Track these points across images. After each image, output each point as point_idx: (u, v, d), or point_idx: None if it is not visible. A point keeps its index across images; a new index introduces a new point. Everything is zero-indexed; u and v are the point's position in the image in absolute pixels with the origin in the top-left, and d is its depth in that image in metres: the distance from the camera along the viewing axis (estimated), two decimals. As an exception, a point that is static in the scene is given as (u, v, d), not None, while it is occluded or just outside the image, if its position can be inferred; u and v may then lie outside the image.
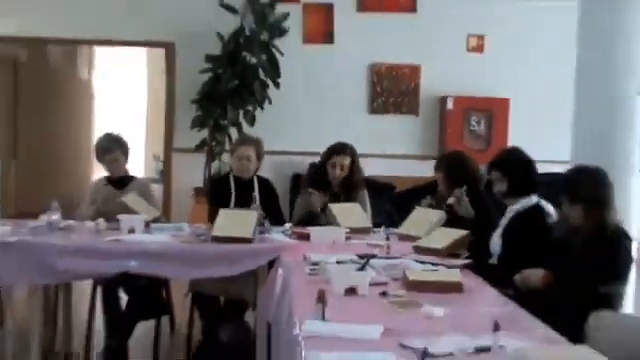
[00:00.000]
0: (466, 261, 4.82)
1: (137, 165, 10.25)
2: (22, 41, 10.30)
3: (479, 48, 9.91)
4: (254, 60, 9.10)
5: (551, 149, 7.26)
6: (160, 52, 10.64)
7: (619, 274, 4.46)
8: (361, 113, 9.82)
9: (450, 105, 9.71)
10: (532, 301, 3.88)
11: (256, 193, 6.28)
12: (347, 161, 6.34)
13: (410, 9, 9.79)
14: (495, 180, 5.17)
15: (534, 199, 5.08)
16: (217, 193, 6.52)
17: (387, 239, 5.20)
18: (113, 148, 6.46)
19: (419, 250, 5.04)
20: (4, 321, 5.97)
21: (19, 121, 10.36)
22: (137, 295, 6.09)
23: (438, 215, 5.60)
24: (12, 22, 9.81)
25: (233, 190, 6.35)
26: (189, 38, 9.58)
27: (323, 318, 3.21)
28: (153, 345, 6.42)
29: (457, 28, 9.80)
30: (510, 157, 5.26)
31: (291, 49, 9.29)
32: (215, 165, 9.07)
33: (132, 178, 6.60)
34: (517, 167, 5.13)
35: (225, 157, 8.64)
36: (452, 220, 5.48)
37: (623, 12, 6.61)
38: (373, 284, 3.91)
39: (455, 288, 3.97)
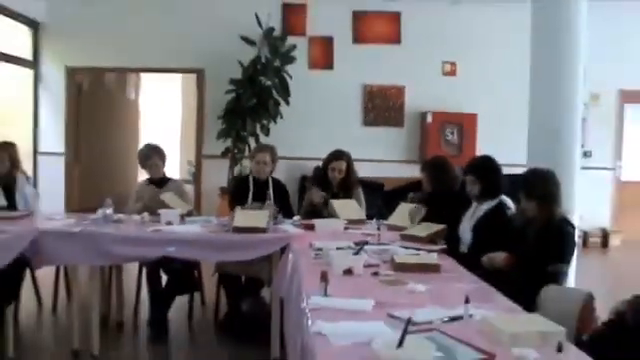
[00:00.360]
0: (442, 246, 4.81)
1: (174, 169, 10.27)
2: (85, 70, 10.34)
3: (452, 72, 9.94)
4: (269, 83, 9.12)
5: (512, 154, 7.23)
6: (192, 77, 10.69)
7: (564, 256, 4.49)
8: (356, 125, 9.85)
9: (429, 119, 9.72)
10: (496, 278, 3.87)
11: (270, 191, 6.27)
12: (343, 165, 6.33)
13: (396, 41, 9.83)
14: (469, 182, 5.15)
15: (499, 198, 5.07)
16: (238, 190, 6.51)
17: (378, 229, 5.18)
18: (152, 155, 6.46)
19: (405, 238, 5.03)
20: (71, 295, 5.96)
21: (81, 133, 10.37)
22: (174, 275, 6.07)
23: (419, 209, 5.59)
24: (78, 56, 9.97)
25: (251, 188, 6.34)
26: (216, 65, 9.64)
27: (325, 294, 3.20)
28: (188, 316, 6.45)
29: (434, 56, 9.85)
30: (484, 164, 5.23)
31: (299, 74, 9.32)
32: (237, 168, 9.08)
33: (169, 179, 6.59)
34: (489, 174, 5.11)
35: (245, 162, 8.66)
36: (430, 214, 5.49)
37: (571, 28, 6.59)
38: (367, 266, 3.91)
39: (434, 269, 3.96)
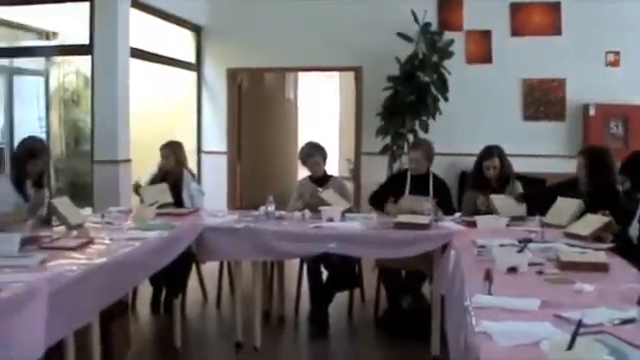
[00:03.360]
0: (610, 245, 4.59)
1: (332, 166, 10.34)
2: (245, 71, 10.62)
3: (616, 63, 9.50)
4: (427, 79, 9.03)
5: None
6: (350, 75, 10.74)
7: None
8: (516, 120, 9.59)
9: (592, 112, 9.36)
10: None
11: (431, 188, 6.22)
12: (497, 162, 6.17)
13: (556, 32, 9.49)
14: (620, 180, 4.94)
15: None
16: (395, 183, 6.49)
17: (542, 226, 5.01)
18: (314, 153, 6.54)
19: (568, 236, 4.85)
20: (234, 289, 6.12)
21: (242, 132, 10.64)
22: (335, 271, 6.14)
23: (576, 204, 5.37)
24: (238, 58, 10.28)
25: (408, 183, 6.30)
26: (373, 63, 9.63)
27: (489, 292, 3.13)
28: (348, 311, 6.49)
29: (596, 46, 9.43)
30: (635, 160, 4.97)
31: (457, 69, 9.17)
32: (396, 165, 9.05)
33: (330, 177, 6.65)
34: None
35: (404, 158, 8.63)
36: (590, 207, 5.24)
37: None
38: (531, 264, 3.78)
39: (602, 268, 3.78)
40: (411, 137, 8.94)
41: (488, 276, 3.17)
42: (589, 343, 2.35)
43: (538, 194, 6.34)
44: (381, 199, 6.34)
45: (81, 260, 4.01)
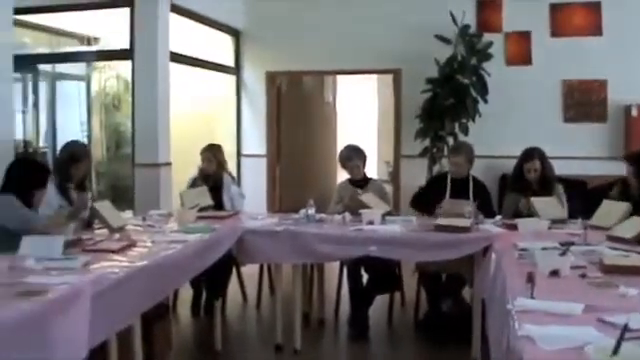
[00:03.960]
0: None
1: (371, 169, 10.32)
2: (283, 74, 10.66)
3: (659, 62, 9.39)
4: (466, 81, 8.99)
5: None
6: (388, 77, 10.72)
7: None
8: (556, 122, 9.49)
9: (634, 113, 9.24)
10: None
11: (471, 191, 6.19)
12: (537, 164, 6.09)
13: (597, 33, 9.38)
14: None
15: None
16: (434, 187, 6.47)
17: (585, 229, 4.95)
18: (353, 156, 6.55)
19: (611, 239, 4.79)
20: (274, 292, 6.15)
21: (282, 135, 10.68)
22: (375, 274, 6.14)
23: (624, 207, 5.31)
24: (276, 61, 10.35)
25: (449, 185, 6.27)
26: (412, 65, 9.61)
27: (532, 296, 3.11)
28: (388, 315, 6.48)
29: (638, 47, 9.31)
30: None
31: (496, 70, 9.11)
32: (436, 168, 9.02)
33: (370, 180, 6.65)
34: None
35: (444, 161, 8.60)
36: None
37: None
38: (573, 267, 3.74)
39: (646, 272, 3.74)
40: (451, 140, 8.91)
41: (530, 279, 3.15)
42: (635, 348, 2.32)
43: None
44: (422, 202, 6.33)
45: (123, 263, 4.05)
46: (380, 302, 6.36)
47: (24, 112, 8.79)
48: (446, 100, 8.96)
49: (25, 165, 5.18)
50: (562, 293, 3.21)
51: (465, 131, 8.90)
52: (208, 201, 6.43)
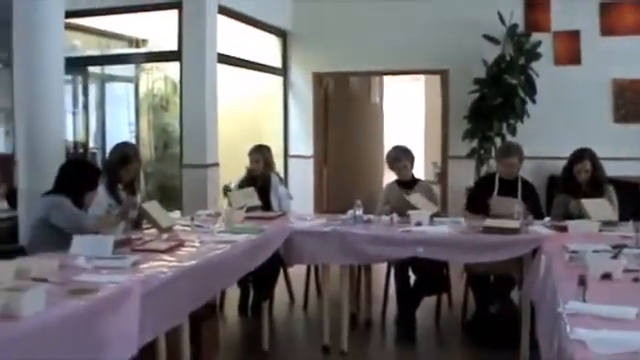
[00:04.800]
0: None
1: (418, 169, 10.28)
2: (330, 75, 10.67)
3: None
4: (514, 81, 8.90)
5: None
6: (434, 78, 10.68)
7: None
8: (606, 122, 9.33)
9: (687, 112, 9.08)
10: None
11: (519, 192, 6.12)
12: (588, 165, 5.98)
13: (648, 31, 9.24)
14: None
15: None
16: (483, 187, 6.41)
17: (637, 231, 4.86)
18: (402, 157, 6.52)
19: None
20: (322, 293, 6.14)
21: (329, 136, 10.69)
22: (423, 275, 6.10)
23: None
24: (323, 62, 10.39)
25: (497, 186, 6.20)
26: (459, 65, 9.55)
27: (584, 299, 3.06)
28: (435, 315, 6.44)
29: (691, 45, 9.15)
30: None
31: (544, 70, 9.02)
32: (483, 169, 8.95)
33: (418, 181, 6.62)
34: None
35: (492, 162, 8.53)
36: None
37: None
38: (626, 271, 3.67)
39: (701, 275, 3.66)
40: (498, 140, 8.83)
41: (582, 282, 3.10)
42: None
43: None
44: (477, 205, 6.24)
45: (172, 262, 4.08)
46: (427, 303, 6.33)
47: (74, 113, 8.92)
48: (494, 100, 8.89)
49: (76, 167, 5.26)
50: (614, 297, 3.16)
51: (513, 132, 8.83)
52: (256, 202, 6.47)
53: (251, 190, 6.55)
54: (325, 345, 5.68)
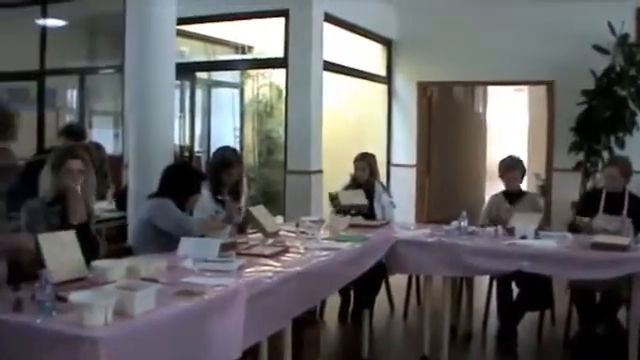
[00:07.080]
0: None
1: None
2: (434, 85, 10.60)
3: None
4: (624, 93, 8.64)
5: None
6: (539, 89, 10.51)
7: None
8: None
9: None
10: None
11: (625, 207, 5.90)
12: None
13: None
14: None
15: None
16: (588, 202, 6.23)
17: None
18: (514, 167, 6.46)
19: None
20: (422, 303, 6.09)
21: (432, 146, 10.61)
22: (527, 289, 5.93)
23: None
24: (428, 71, 10.32)
25: (603, 201, 5.99)
26: (566, 76, 9.29)
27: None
28: (537, 331, 6.27)
29: None
30: None
31: (656, 82, 8.72)
32: (589, 184, 8.70)
33: (525, 193, 6.52)
34: None
35: (598, 176, 8.31)
36: None
37: None
38: None
39: None
40: (606, 154, 8.59)
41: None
42: None
43: None
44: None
45: (277, 268, 4.12)
46: (529, 319, 6.15)
47: (181, 117, 9.10)
48: (602, 113, 8.63)
49: (181, 170, 5.35)
50: None
51: (621, 145, 8.56)
52: (363, 200, 6.51)
53: (359, 190, 6.61)
54: (425, 355, 5.61)
